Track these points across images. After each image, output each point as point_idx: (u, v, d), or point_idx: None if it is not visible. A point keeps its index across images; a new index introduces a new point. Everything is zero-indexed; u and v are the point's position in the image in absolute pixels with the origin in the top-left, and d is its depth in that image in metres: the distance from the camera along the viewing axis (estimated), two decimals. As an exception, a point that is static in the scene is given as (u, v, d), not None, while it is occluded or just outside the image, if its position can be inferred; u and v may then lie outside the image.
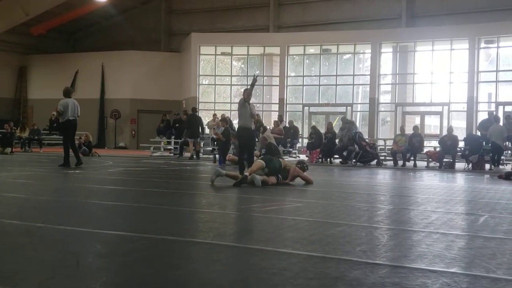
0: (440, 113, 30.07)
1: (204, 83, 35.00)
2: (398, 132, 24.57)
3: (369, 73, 31.52)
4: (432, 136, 28.81)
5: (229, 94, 34.84)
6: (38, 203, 7.96)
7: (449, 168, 19.87)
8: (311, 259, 4.35)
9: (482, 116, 26.43)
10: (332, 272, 3.94)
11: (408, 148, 21.12)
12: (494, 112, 24.73)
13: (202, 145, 24.92)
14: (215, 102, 34.42)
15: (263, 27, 35.46)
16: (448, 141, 20.53)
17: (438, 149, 21.29)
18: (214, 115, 28.49)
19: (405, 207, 8.26)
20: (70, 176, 13.12)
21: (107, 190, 10.26)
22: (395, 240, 5.41)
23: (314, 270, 4.01)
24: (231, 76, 34.99)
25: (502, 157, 20.40)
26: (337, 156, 22.88)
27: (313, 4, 34.36)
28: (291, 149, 24.11)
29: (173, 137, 27.76)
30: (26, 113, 39.53)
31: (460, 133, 24.60)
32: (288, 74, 33.14)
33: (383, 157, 22.91)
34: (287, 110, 32.76)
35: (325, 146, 22.51)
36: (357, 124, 28.81)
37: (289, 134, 24.51)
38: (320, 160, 22.65)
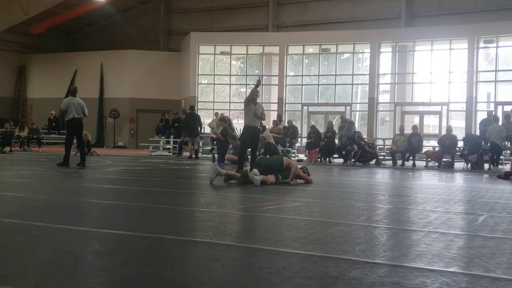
0: (439, 113, 30.07)
1: (203, 82, 34.99)
2: (397, 131, 24.58)
3: (368, 72, 31.53)
4: (431, 136, 28.86)
5: (228, 94, 34.83)
6: (37, 202, 7.95)
7: (448, 167, 19.87)
8: (310, 259, 4.35)
9: (481, 115, 26.45)
10: (331, 272, 3.94)
11: (407, 148, 21.12)
12: (493, 112, 24.73)
13: (201, 144, 24.89)
14: (214, 102, 34.42)
15: (262, 26, 35.46)
16: (447, 141, 20.53)
17: (437, 148, 21.29)
18: (216, 114, 28.50)
19: (404, 207, 8.26)
20: (69, 175, 13.11)
21: (106, 189, 10.25)
22: (394, 240, 5.41)
23: (313, 270, 4.00)
24: (230, 75, 34.96)
25: (501, 157, 20.41)
26: (336, 155, 22.88)
27: (312, 4, 34.38)
28: (290, 149, 24.09)
29: (172, 136, 27.75)
30: (25, 112, 39.51)
31: (459, 133, 24.61)
32: (287, 74, 33.14)
33: (382, 157, 22.90)
34: (286, 109, 32.77)
35: (324, 145, 22.51)
36: (356, 124, 28.85)
37: (288, 134, 24.50)
38: (319, 159, 22.65)
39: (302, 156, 23.83)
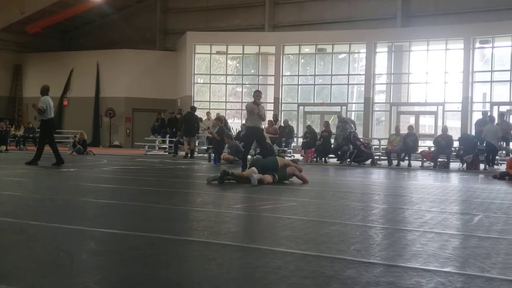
0: (435, 113, 30.13)
1: (199, 82, 34.98)
2: (392, 131, 24.61)
3: (364, 72, 31.56)
4: (426, 136, 28.89)
5: (224, 93, 34.83)
6: (33, 201, 7.94)
7: (444, 168, 19.90)
8: (306, 258, 4.35)
9: (477, 116, 26.47)
10: (327, 271, 3.95)
11: (403, 148, 21.15)
12: (489, 112, 24.78)
13: (197, 144, 24.89)
14: (210, 101, 34.40)
15: (258, 26, 35.47)
16: (442, 141, 20.56)
17: (432, 149, 21.32)
18: (208, 113, 28.57)
19: (399, 207, 8.28)
20: (65, 174, 13.09)
21: (102, 189, 10.24)
22: (390, 239, 5.42)
23: (308, 269, 4.01)
24: (226, 75, 34.95)
25: (497, 157, 20.44)
26: (332, 155, 22.89)
27: (308, 4, 34.40)
28: (286, 149, 24.10)
29: (167, 136, 27.74)
30: (21, 111, 39.44)
31: (455, 133, 24.66)
32: (283, 74, 33.12)
33: (377, 157, 22.93)
34: (282, 109, 32.75)
35: (320, 145, 22.52)
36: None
37: (284, 134, 24.51)
38: (315, 159, 22.67)
39: (298, 156, 23.83)
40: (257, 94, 15.42)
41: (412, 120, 30.19)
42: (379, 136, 30.06)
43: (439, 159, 20.47)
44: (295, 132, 28.02)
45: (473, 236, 5.63)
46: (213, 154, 20.94)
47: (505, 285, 3.76)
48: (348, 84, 32.33)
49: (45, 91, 15.45)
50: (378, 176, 16.32)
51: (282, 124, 25.78)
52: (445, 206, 8.39)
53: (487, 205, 8.46)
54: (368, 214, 7.41)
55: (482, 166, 19.83)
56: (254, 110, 14.65)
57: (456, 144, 21.16)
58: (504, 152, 21.47)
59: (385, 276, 3.84)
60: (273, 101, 32.56)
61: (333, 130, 23.22)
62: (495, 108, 27.65)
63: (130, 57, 36.57)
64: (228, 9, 36.66)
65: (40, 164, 15.01)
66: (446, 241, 5.29)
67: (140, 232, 5.28)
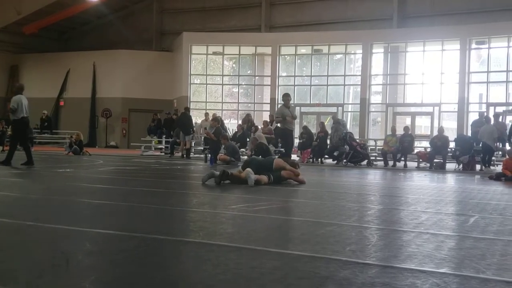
0: (431, 114, 30.17)
1: (195, 82, 34.97)
2: (388, 132, 24.63)
3: (360, 73, 31.61)
4: (422, 137, 28.96)
5: (220, 94, 34.83)
6: (28, 201, 7.93)
7: (440, 168, 19.93)
8: (301, 259, 4.35)
9: (473, 116, 26.56)
10: (322, 272, 3.94)
11: (399, 149, 21.18)
12: (485, 113, 24.83)
13: (193, 144, 24.90)
14: (206, 102, 34.42)
15: (254, 27, 35.50)
16: (438, 142, 20.60)
17: (428, 149, 21.35)
18: (206, 114, 28.54)
19: (395, 207, 8.28)
20: (61, 175, 13.08)
21: (98, 189, 10.23)
22: (385, 240, 5.42)
23: (304, 270, 4.01)
24: (223, 75, 34.97)
25: (493, 158, 20.48)
26: (327, 156, 22.90)
27: (305, 4, 34.45)
28: (282, 149, 24.06)
29: (164, 136, 27.73)
30: (17, 112, 39.31)
31: (451, 134, 24.69)
32: (280, 74, 33.17)
33: (373, 158, 22.96)
34: (279, 110, 32.71)
35: (316, 146, 22.54)
36: (348, 124, 28.87)
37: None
38: (311, 160, 22.68)
39: (294, 157, 23.80)
40: (287, 98, 15.84)
41: (408, 121, 30.22)
42: (375, 136, 30.11)
43: (435, 160, 20.51)
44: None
45: (469, 237, 5.63)
46: (210, 155, 20.93)
47: (500, 286, 3.77)
48: (344, 85, 32.38)
49: (18, 90, 15.40)
50: (374, 177, 16.33)
51: (278, 125, 25.72)
52: (441, 207, 8.40)
53: (483, 206, 8.47)
54: (363, 215, 7.41)
55: (478, 167, 19.88)
56: (287, 114, 15.16)
57: (452, 145, 21.21)
58: (500, 153, 21.52)
59: (381, 277, 3.84)
60: (269, 102, 32.56)
61: (329, 131, 23.25)
62: (491, 109, 27.70)
63: (127, 58, 36.58)
64: (224, 10, 36.70)
65: (36, 166, 14.99)
66: (441, 242, 5.29)
67: (136, 233, 5.27)
